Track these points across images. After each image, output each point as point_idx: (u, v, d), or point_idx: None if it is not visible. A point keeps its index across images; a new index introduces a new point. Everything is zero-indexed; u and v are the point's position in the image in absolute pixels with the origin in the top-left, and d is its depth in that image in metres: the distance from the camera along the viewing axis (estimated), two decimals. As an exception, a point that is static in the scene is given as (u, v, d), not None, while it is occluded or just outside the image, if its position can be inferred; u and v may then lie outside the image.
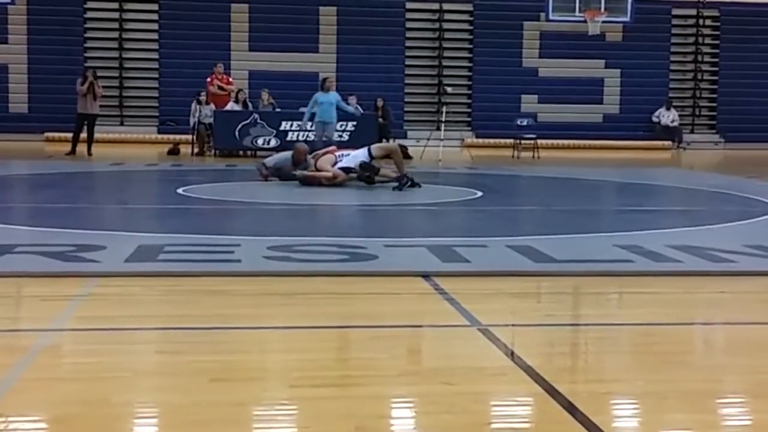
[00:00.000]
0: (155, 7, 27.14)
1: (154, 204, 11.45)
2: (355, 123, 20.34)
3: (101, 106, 20.97)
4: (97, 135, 25.26)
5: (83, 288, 5.77)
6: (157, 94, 27.10)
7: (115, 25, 27.06)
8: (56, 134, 25.01)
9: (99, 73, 26.78)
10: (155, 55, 27.16)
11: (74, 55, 26.53)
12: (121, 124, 26.76)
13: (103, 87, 26.76)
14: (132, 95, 27.19)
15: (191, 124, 20.98)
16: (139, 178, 15.38)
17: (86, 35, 26.98)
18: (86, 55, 26.88)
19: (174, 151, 20.77)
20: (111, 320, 5.08)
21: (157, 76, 27.13)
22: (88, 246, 7.01)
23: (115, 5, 27.00)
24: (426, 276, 6.21)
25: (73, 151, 19.22)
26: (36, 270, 6.20)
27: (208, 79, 21.01)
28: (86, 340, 4.75)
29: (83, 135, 19.74)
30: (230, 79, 21.66)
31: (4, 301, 5.68)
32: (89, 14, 27.08)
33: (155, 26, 27.19)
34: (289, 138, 19.45)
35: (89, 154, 19.24)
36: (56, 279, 5.99)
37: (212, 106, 20.55)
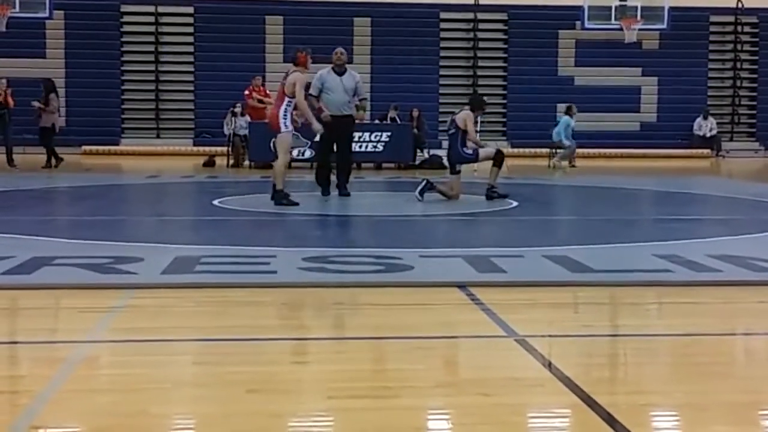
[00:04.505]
0: (190, 20, 27.39)
1: (190, 216, 11.51)
2: (389, 134, 20.32)
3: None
4: (133, 147, 25.57)
5: (120, 300, 5.80)
6: (192, 107, 27.34)
7: (151, 38, 27.34)
8: (94, 147, 25.33)
9: (135, 87, 27.27)
10: (191, 68, 27.40)
11: (111, 69, 26.83)
12: (157, 136, 27.03)
13: (140, 100, 27.18)
14: (168, 108, 27.45)
15: (226, 133, 21.08)
16: (175, 190, 15.47)
17: (123, 49, 27.29)
18: (123, 68, 27.22)
19: (209, 163, 20.90)
20: (148, 332, 5.09)
21: (192, 88, 27.37)
22: (125, 258, 7.05)
23: (151, 19, 27.29)
24: (462, 286, 6.18)
25: (47, 164, 19.17)
26: (74, 282, 6.24)
27: (247, 92, 21.09)
28: (123, 351, 4.76)
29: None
30: (267, 92, 21.76)
31: (42, 312, 5.72)
32: (125, 28, 27.40)
33: (191, 39, 27.43)
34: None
35: (45, 166, 19.06)
36: (94, 291, 6.03)
37: (247, 117, 20.65)
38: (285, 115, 11.45)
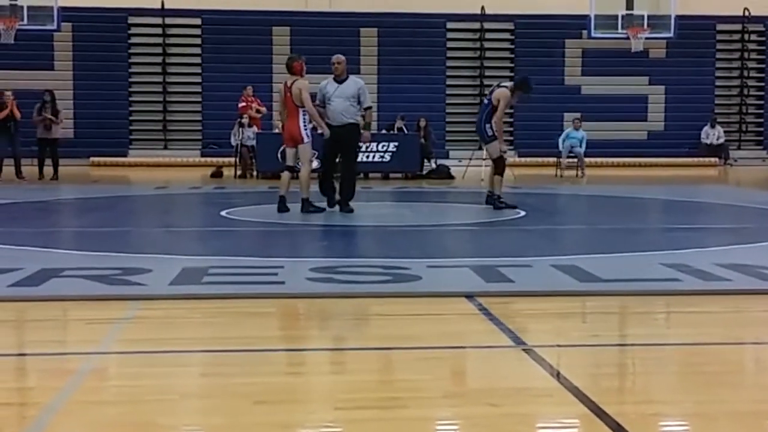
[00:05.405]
0: (198, 32, 27.47)
1: (198, 227, 11.52)
2: (396, 144, 20.34)
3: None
4: (141, 159, 25.58)
5: (128, 311, 5.81)
6: (200, 118, 27.40)
7: (159, 50, 27.42)
8: (102, 159, 25.40)
9: (143, 98, 27.35)
10: (198, 79, 27.48)
11: (119, 81, 26.93)
12: (165, 147, 27.08)
13: (148, 111, 27.25)
14: (175, 119, 27.52)
15: (233, 144, 21.11)
16: (183, 201, 15.49)
17: (130, 60, 27.38)
18: (130, 80, 27.30)
19: (217, 174, 20.93)
20: (156, 343, 5.10)
21: (200, 99, 27.44)
22: (133, 269, 7.06)
23: (159, 30, 27.37)
24: (470, 296, 6.17)
25: (54, 176, 19.18)
26: (82, 293, 6.25)
27: (243, 104, 21.04)
28: (131, 362, 4.77)
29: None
30: (260, 101, 21.76)
31: (50, 324, 5.74)
32: (133, 39, 27.49)
33: (198, 50, 27.50)
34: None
35: (53, 178, 19.03)
36: (102, 302, 6.04)
37: (255, 128, 20.70)
38: (305, 126, 11.71)
